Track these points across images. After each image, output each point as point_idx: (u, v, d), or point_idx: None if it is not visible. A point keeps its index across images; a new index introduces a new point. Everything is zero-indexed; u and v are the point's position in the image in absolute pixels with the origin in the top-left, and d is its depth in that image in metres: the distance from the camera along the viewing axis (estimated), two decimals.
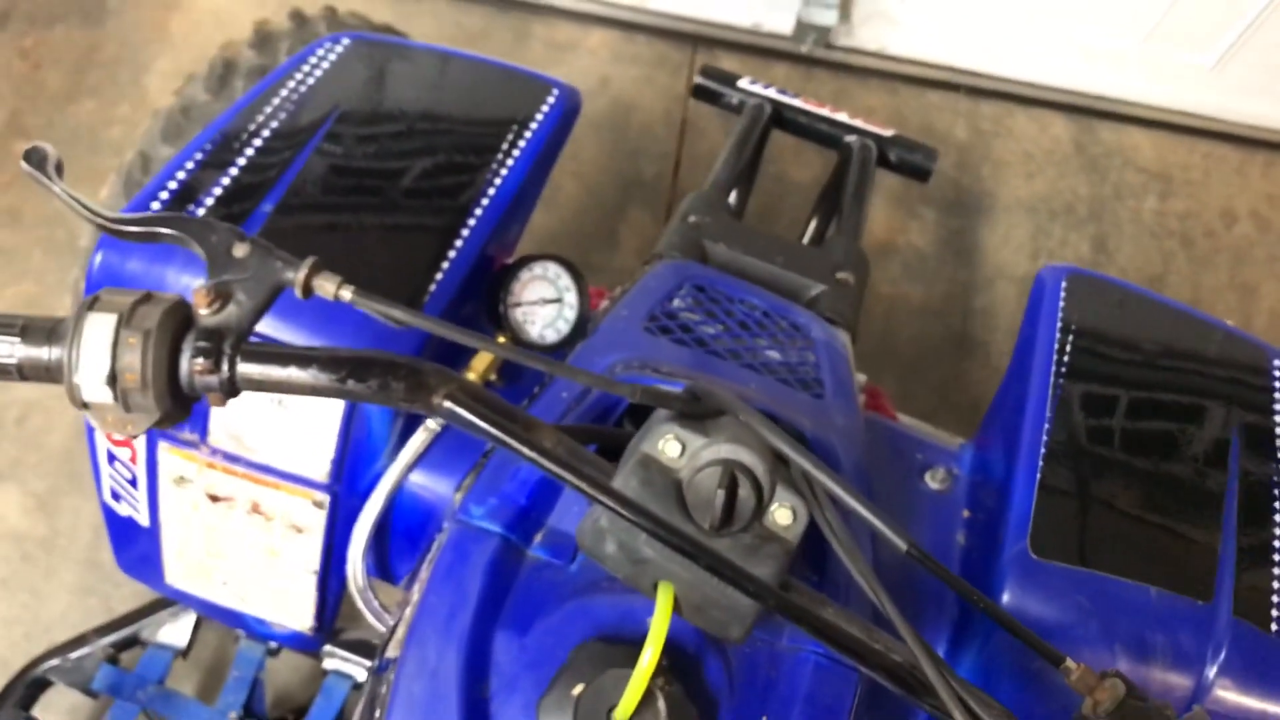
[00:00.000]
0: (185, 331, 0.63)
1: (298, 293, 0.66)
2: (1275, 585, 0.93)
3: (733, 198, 1.58)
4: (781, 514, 0.72)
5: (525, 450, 0.65)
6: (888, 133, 1.63)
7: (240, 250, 0.66)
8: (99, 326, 0.60)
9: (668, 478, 0.71)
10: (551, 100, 1.16)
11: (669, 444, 0.72)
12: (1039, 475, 0.98)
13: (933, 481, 1.11)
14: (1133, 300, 1.15)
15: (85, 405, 0.62)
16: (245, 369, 0.63)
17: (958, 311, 2.30)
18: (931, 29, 2.45)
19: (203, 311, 0.64)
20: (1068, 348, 1.07)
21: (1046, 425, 1.01)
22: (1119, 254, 2.40)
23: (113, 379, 0.60)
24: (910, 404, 2.17)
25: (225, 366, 0.63)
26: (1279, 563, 0.95)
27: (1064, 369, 1.06)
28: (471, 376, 1.02)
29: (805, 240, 1.63)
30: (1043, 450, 1.00)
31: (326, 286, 0.66)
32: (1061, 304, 1.10)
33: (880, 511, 0.68)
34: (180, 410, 0.64)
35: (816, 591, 0.75)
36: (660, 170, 2.37)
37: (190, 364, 0.62)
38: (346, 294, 0.66)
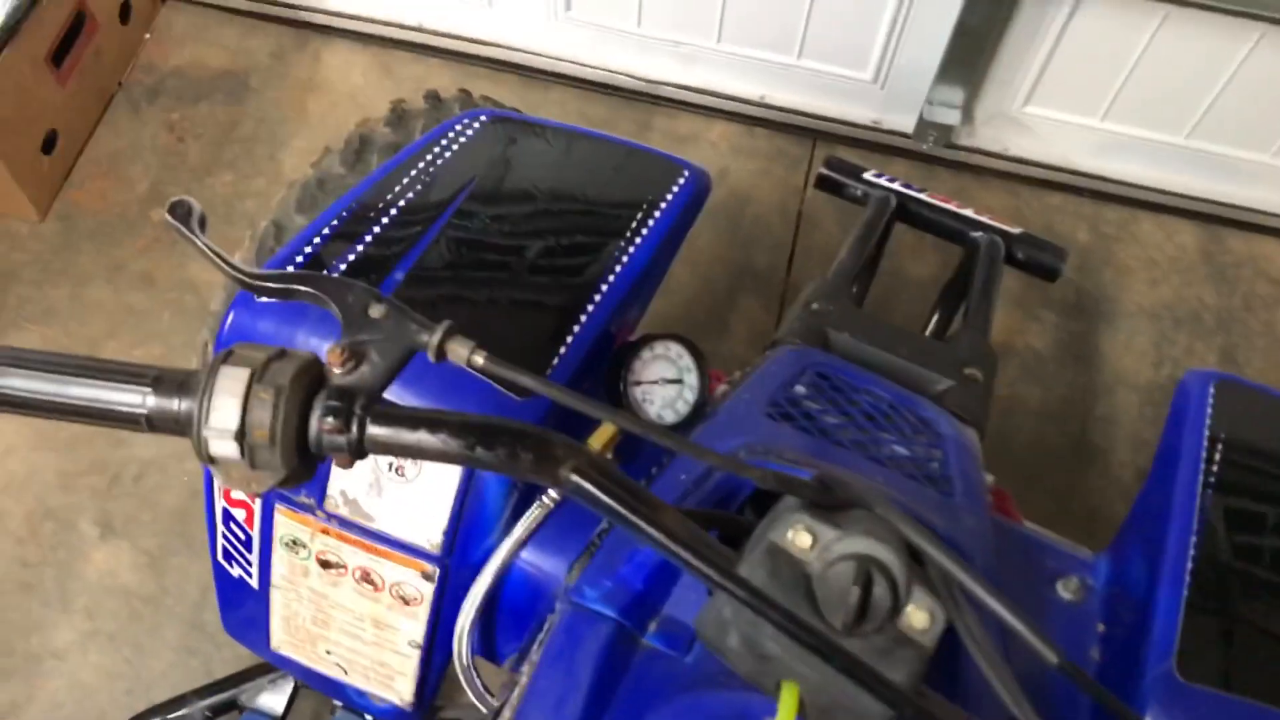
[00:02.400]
0: (317, 390, 0.62)
1: (430, 356, 0.65)
2: None
3: (854, 290, 1.55)
4: (918, 616, 0.68)
5: (652, 531, 0.63)
6: (1015, 230, 1.59)
7: (376, 311, 0.66)
8: (232, 380, 0.60)
9: (796, 570, 0.68)
10: (682, 182, 1.15)
11: (799, 534, 0.69)
12: (1185, 593, 0.92)
13: (1065, 591, 1.05)
14: None
15: (212, 460, 0.61)
16: (374, 431, 0.62)
17: (1077, 417, 2.22)
18: (1055, 132, 2.42)
19: (336, 370, 0.63)
20: (1216, 458, 1.01)
21: (1193, 539, 0.95)
22: (1249, 367, 2.30)
23: (241, 434, 0.59)
24: (1027, 510, 2.08)
25: (355, 427, 0.62)
26: None
27: (1212, 481, 1.00)
28: (596, 446, 1.00)
29: (929, 332, 1.60)
30: (1190, 565, 0.93)
31: (460, 351, 0.66)
32: (1209, 412, 1.04)
33: (1027, 618, 0.63)
34: (306, 470, 0.63)
35: (950, 702, 0.70)
36: (774, 261, 2.35)
37: (320, 423, 0.62)
38: (479, 359, 0.66)
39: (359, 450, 0.63)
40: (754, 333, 2.26)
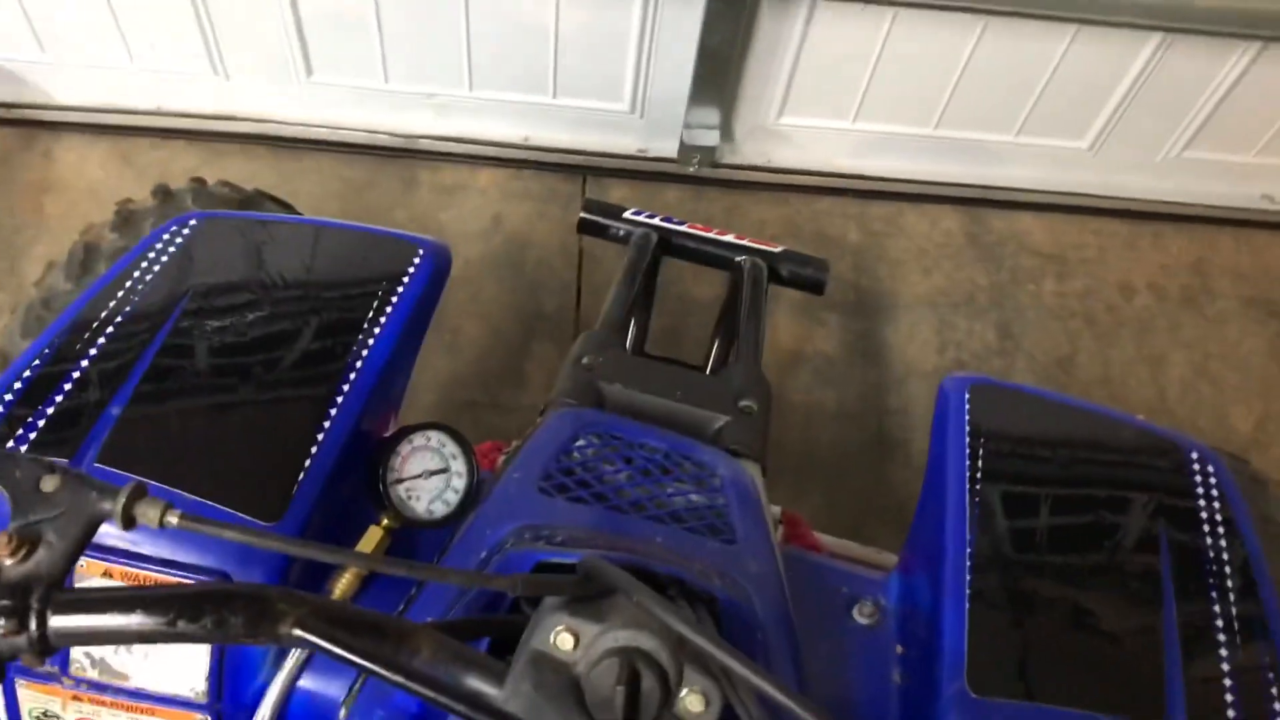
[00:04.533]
0: None
1: (118, 524, 0.59)
2: (1229, 699, 0.88)
3: (632, 330, 1.54)
4: (692, 700, 0.65)
5: (393, 677, 0.58)
6: (777, 249, 1.61)
7: (49, 484, 0.59)
8: None
9: (563, 675, 0.65)
10: (418, 260, 1.10)
11: (561, 636, 0.66)
12: (968, 604, 0.93)
13: (860, 616, 1.05)
14: (1041, 405, 1.11)
15: None
16: (59, 623, 0.56)
17: (873, 414, 2.27)
18: (812, 138, 2.48)
19: (6, 561, 0.56)
20: (980, 461, 1.03)
21: (969, 550, 0.96)
22: (1025, 338, 2.41)
23: None
24: (838, 512, 2.12)
25: (34, 624, 0.55)
26: (1227, 673, 0.90)
27: (979, 483, 1.01)
28: (347, 576, 0.94)
29: (709, 364, 1.59)
30: (968, 576, 0.94)
31: (150, 514, 0.59)
32: (968, 416, 1.06)
33: (798, 696, 0.61)
34: None
35: None
36: (562, 302, 2.33)
37: None
38: (173, 519, 0.59)
39: (44, 648, 0.56)
40: (552, 379, 2.22)
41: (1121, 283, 2.52)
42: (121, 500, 0.59)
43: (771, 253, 1.59)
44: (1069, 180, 2.58)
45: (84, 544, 0.58)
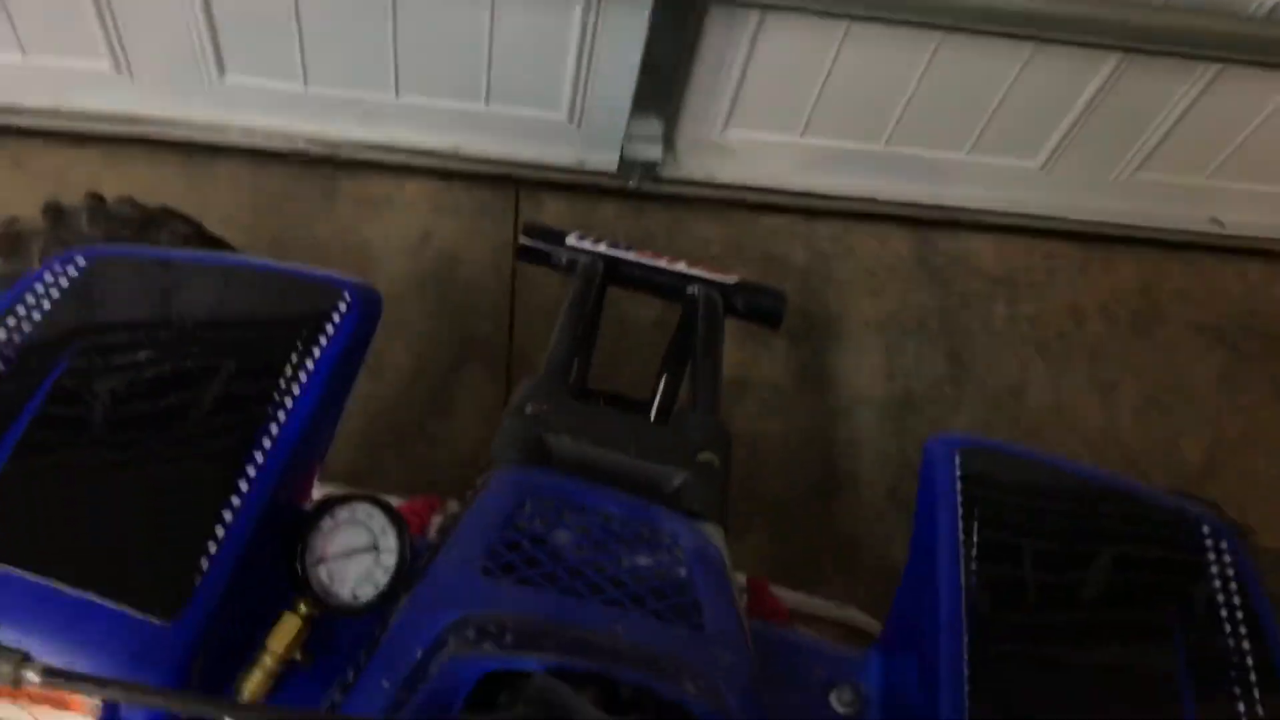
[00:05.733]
0: None
1: None
2: None
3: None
4: None
5: None
6: (731, 280, 1.50)
7: None
8: None
9: None
10: (344, 307, 0.97)
11: None
12: (967, 699, 0.83)
13: (839, 704, 0.95)
14: (1037, 470, 1.02)
15: None
16: None
17: (820, 443, 2.18)
18: (759, 153, 2.38)
19: None
20: (974, 535, 0.93)
21: (965, 637, 0.86)
22: (975, 365, 2.34)
23: None
24: (785, 548, 2.03)
25: None
26: None
27: (974, 560, 0.91)
28: (269, 661, 0.82)
29: (656, 402, 1.48)
30: (966, 668, 0.84)
31: (2, 669, 0.46)
32: (960, 485, 0.96)
33: None
34: None
35: None
36: (495, 324, 2.20)
37: None
38: (34, 676, 0.47)
39: None
40: (483, 408, 2.09)
41: (1072, 307, 2.46)
42: None
43: (726, 284, 1.48)
44: (1020, 200, 2.52)
45: None
